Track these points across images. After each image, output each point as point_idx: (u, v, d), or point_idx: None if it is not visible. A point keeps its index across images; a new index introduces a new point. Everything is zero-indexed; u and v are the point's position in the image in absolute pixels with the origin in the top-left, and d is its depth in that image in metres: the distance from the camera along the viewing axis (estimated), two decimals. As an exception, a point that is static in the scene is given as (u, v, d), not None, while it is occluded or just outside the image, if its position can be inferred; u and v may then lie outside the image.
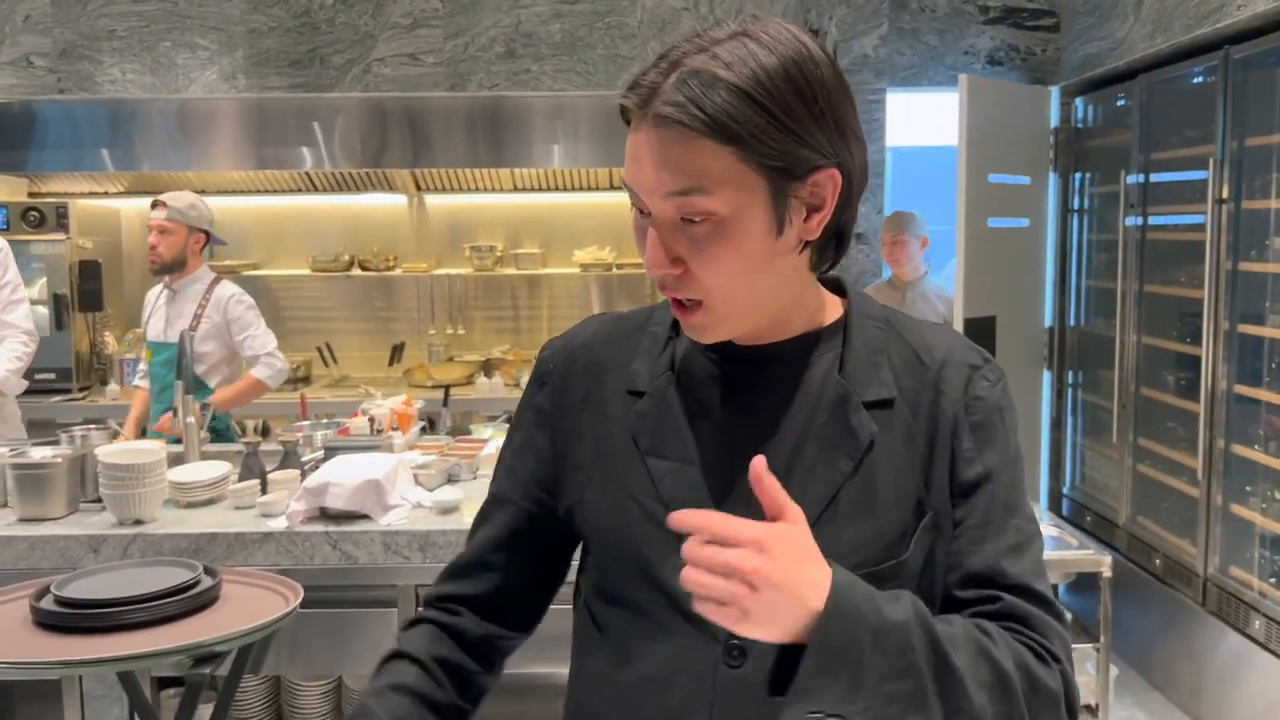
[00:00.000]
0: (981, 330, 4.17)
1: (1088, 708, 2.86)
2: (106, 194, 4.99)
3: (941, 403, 0.95)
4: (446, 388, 4.02)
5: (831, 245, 0.94)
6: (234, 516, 2.38)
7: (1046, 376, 4.70)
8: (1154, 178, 3.94)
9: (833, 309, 0.99)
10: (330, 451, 2.63)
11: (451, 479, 2.65)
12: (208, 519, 2.38)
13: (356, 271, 5.01)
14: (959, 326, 4.04)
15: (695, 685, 0.90)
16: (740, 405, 0.96)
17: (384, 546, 2.26)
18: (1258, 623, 3.14)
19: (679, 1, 4.47)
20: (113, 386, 4.64)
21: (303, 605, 1.92)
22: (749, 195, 0.86)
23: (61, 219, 4.53)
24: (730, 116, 0.83)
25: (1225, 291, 3.37)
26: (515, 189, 5.00)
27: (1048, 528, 3.01)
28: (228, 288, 3.53)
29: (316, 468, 2.47)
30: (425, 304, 5.18)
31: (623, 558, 0.94)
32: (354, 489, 2.27)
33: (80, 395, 4.61)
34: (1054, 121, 4.57)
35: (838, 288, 1.01)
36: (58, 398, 4.47)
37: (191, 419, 2.71)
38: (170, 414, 3.11)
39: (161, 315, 3.53)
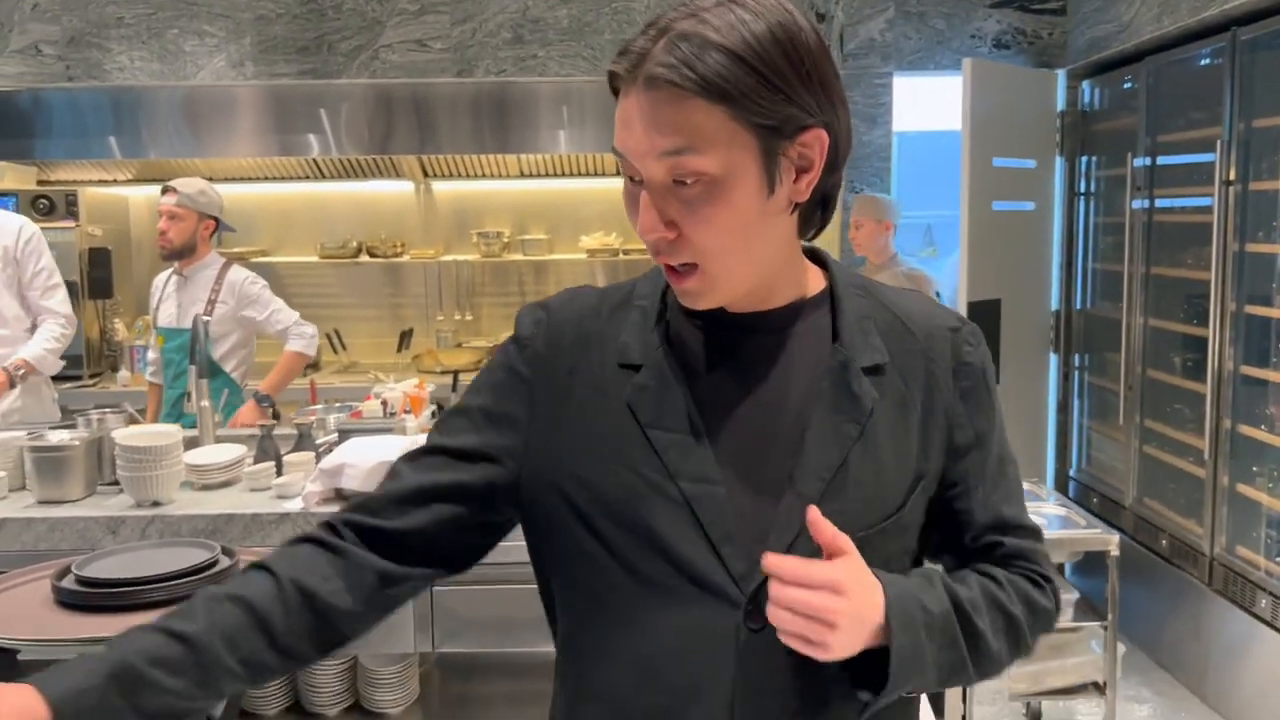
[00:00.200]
0: (986, 313, 4.18)
1: (1095, 685, 2.89)
2: (115, 182, 5.01)
3: (933, 370, 0.99)
4: (455, 373, 4.04)
5: (817, 211, 0.96)
6: (250, 498, 2.41)
7: (1053, 359, 4.71)
8: (1160, 160, 3.95)
9: (815, 279, 1.01)
10: (344, 434, 2.65)
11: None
12: (224, 501, 2.40)
13: (365, 258, 5.03)
14: (963, 310, 4.05)
15: (717, 652, 0.91)
16: (739, 375, 0.96)
17: (399, 527, 2.28)
18: (1264, 601, 3.16)
19: (685, -14, 4.46)
20: (123, 373, 4.67)
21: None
22: (740, 154, 0.87)
23: (71, 206, 4.55)
24: (721, 76, 0.85)
25: (1232, 273, 3.38)
26: (522, 175, 5.01)
27: (1055, 508, 3.03)
28: (239, 272, 3.56)
29: (331, 450, 2.49)
30: (433, 290, 5.20)
31: (630, 531, 0.93)
32: (369, 470, 2.29)
33: (91, 382, 4.64)
34: (1060, 105, 4.57)
35: (817, 259, 1.03)
36: (68, 384, 4.50)
37: (205, 402, 2.74)
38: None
39: (173, 301, 3.56)
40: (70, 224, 4.52)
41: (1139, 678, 3.67)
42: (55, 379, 3.61)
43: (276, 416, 3.16)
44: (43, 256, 3.38)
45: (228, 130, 4.60)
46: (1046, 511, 2.98)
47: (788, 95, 0.87)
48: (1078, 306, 4.66)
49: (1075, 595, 2.93)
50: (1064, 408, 4.74)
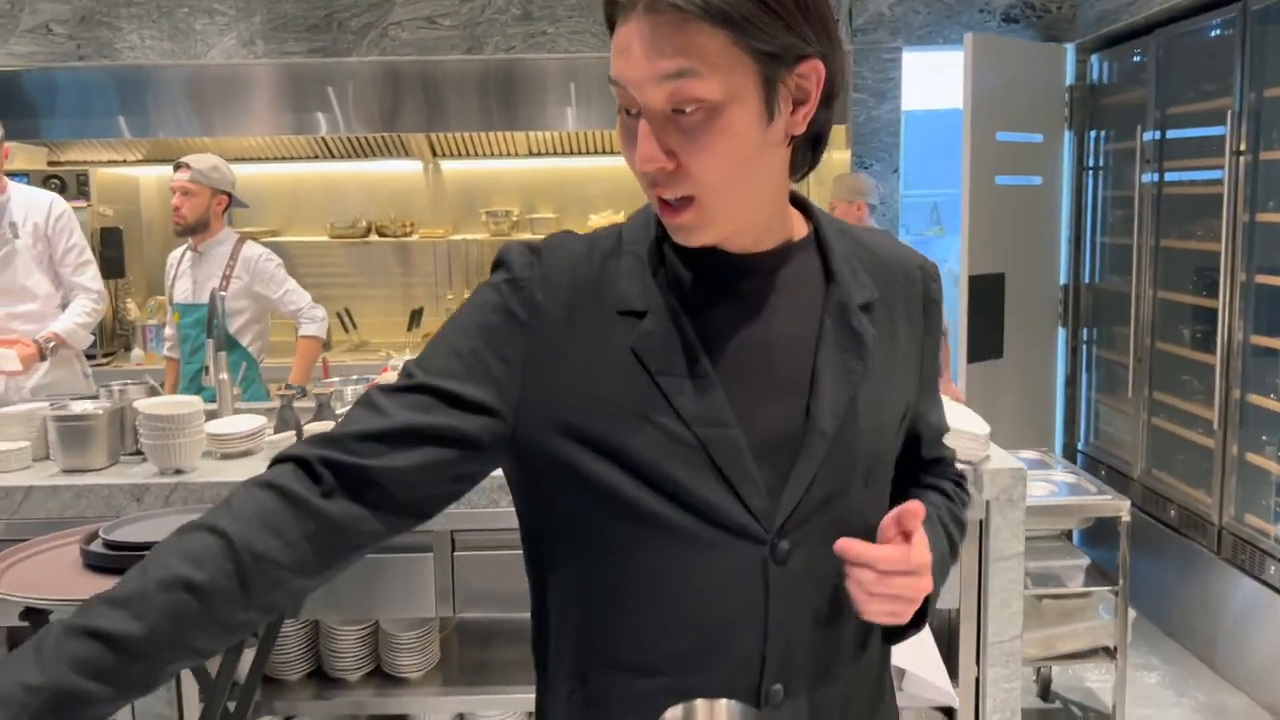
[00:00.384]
0: (989, 288, 4.19)
1: (1106, 650, 2.91)
2: (125, 162, 5.02)
3: (909, 307, 1.04)
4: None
5: (808, 149, 0.97)
6: (271, 466, 2.44)
7: (1061, 334, 4.73)
8: (1170, 134, 3.95)
9: (799, 222, 1.02)
10: (361, 405, 2.68)
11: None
12: (246, 469, 2.43)
13: (374, 238, 5.05)
14: (964, 284, 4.07)
15: (747, 588, 0.94)
16: (739, 317, 0.97)
17: (419, 493, 2.31)
18: (1273, 568, 3.19)
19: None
20: (136, 351, 4.70)
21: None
22: (741, 80, 0.87)
23: (82, 186, 4.57)
24: (723, 0, 0.85)
25: (1242, 243, 3.39)
26: (530, 154, 5.02)
27: (1065, 475, 3.06)
28: (254, 248, 3.58)
29: (349, 420, 2.52)
30: (443, 269, 5.22)
31: (646, 481, 0.92)
32: (389, 437, 2.31)
33: (105, 361, 4.67)
34: (1069, 79, 4.57)
35: (798, 203, 1.04)
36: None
37: (224, 375, 2.76)
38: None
39: (188, 277, 3.58)
40: (82, 204, 4.54)
41: (1147, 646, 3.70)
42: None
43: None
44: (74, 233, 3.41)
45: (236, 109, 4.61)
46: (1056, 479, 3.00)
47: (787, 23, 0.88)
48: (1086, 281, 4.67)
49: (1085, 561, 2.95)
50: (1072, 382, 4.75)
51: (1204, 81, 3.72)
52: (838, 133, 4.67)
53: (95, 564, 1.91)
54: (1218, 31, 3.64)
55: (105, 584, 1.89)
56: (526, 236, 5.04)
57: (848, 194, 4.10)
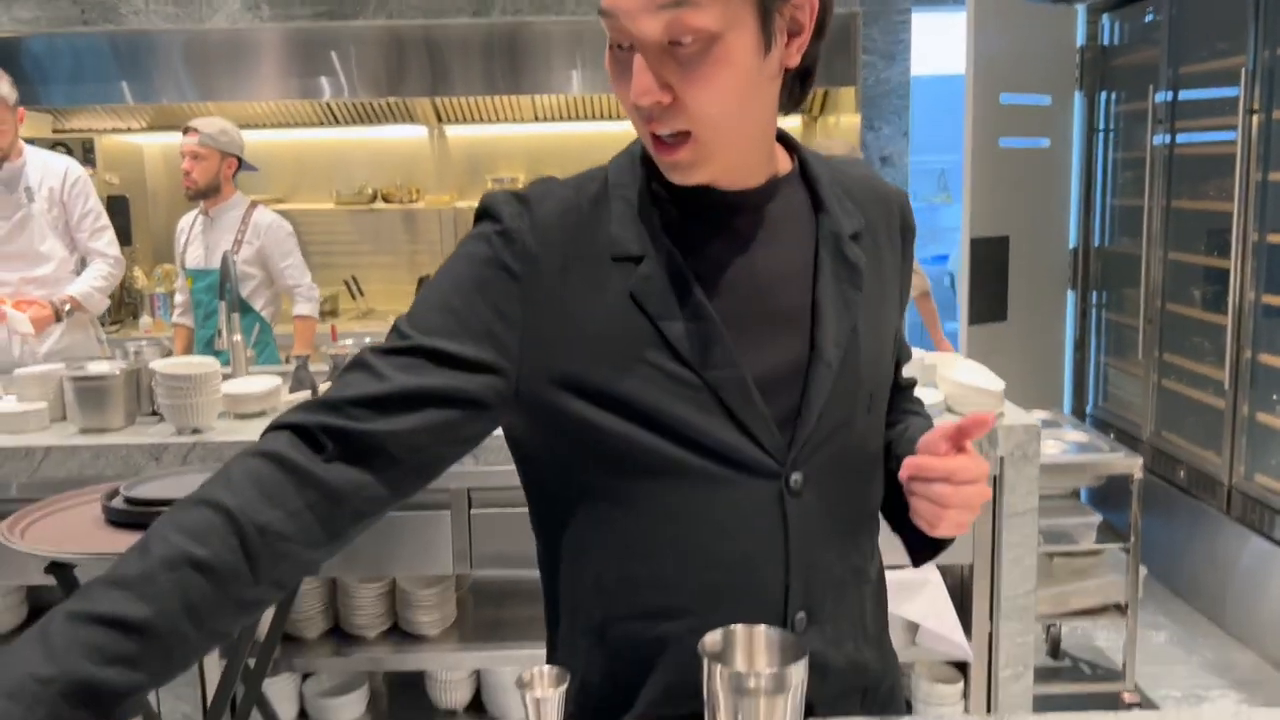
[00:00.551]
0: (993, 251, 4.18)
1: (1117, 607, 2.93)
2: (130, 130, 5.00)
3: (890, 235, 1.05)
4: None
5: (797, 83, 0.97)
6: (288, 426, 2.45)
7: (1070, 297, 4.72)
8: (1183, 95, 3.93)
9: (783, 157, 1.02)
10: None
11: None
12: (262, 428, 2.44)
13: (380, 205, 5.03)
14: (966, 247, 4.07)
15: (766, 523, 0.95)
16: (733, 255, 0.96)
17: (436, 451, 2.32)
18: (1283, 527, 3.20)
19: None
20: (145, 319, 4.70)
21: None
22: (739, 10, 0.86)
23: (88, 154, 4.56)
24: None
25: (1255, 202, 3.38)
26: (535, 119, 4.99)
27: (1076, 435, 3.06)
28: (266, 214, 3.58)
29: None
30: (449, 236, 5.21)
31: (656, 427, 0.92)
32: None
33: (114, 329, 4.67)
34: (1080, 40, 4.53)
35: (780, 137, 1.03)
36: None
37: (238, 337, 2.76)
38: None
39: (200, 243, 3.58)
40: (88, 171, 4.51)
41: (1156, 606, 3.72)
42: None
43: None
44: (90, 198, 3.41)
45: (240, 74, 4.58)
46: (1068, 438, 3.01)
47: None
48: (1096, 244, 4.66)
49: (1097, 519, 2.97)
50: (1081, 345, 4.75)
51: (1217, 40, 3.69)
52: (847, 95, 4.64)
53: (117, 520, 1.92)
54: (1232, -11, 3.61)
55: (128, 539, 1.90)
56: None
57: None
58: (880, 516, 1.10)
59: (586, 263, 0.93)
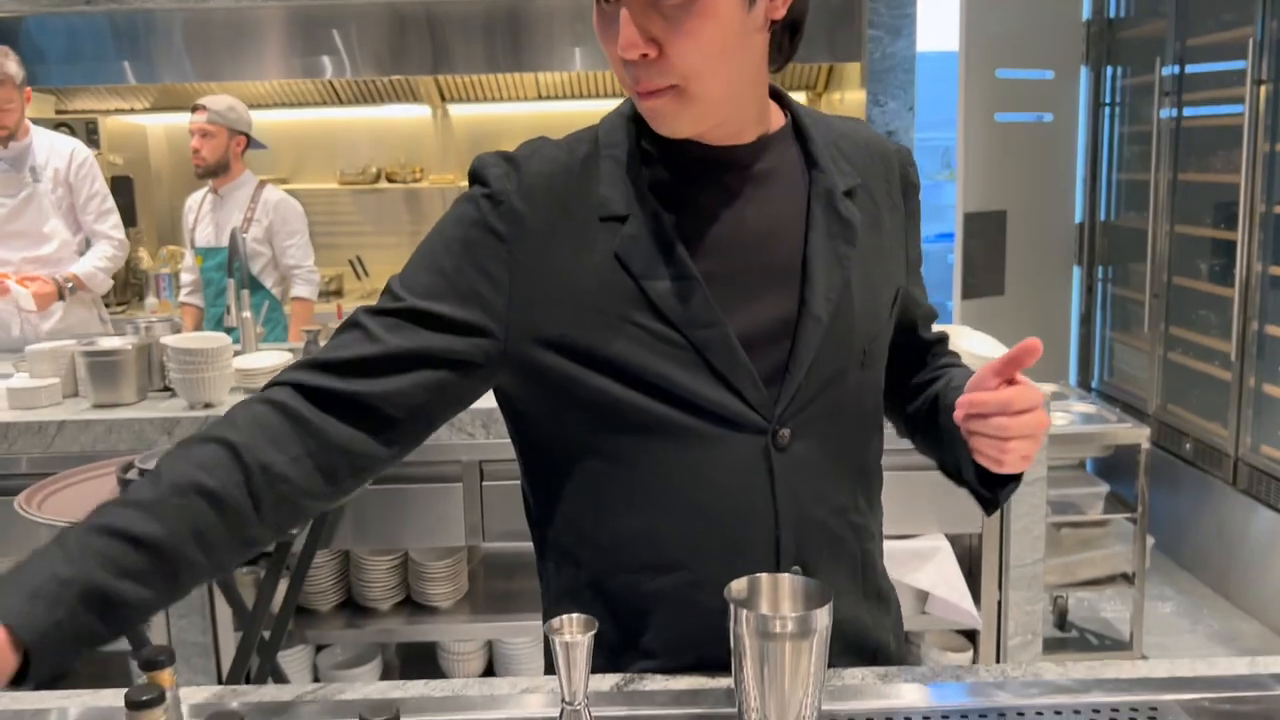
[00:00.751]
0: (989, 225, 4.18)
1: (1124, 576, 2.95)
2: (133, 110, 4.99)
3: (890, 191, 1.05)
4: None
5: (786, 37, 0.96)
6: (299, 400, 2.46)
7: (1076, 272, 4.72)
8: (1190, 68, 3.92)
9: (777, 113, 1.02)
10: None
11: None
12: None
13: (384, 184, 5.03)
14: (961, 221, 4.08)
15: (753, 477, 0.96)
16: (723, 213, 0.96)
17: (448, 424, 2.33)
18: (1289, 497, 3.21)
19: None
20: (151, 300, 4.70)
21: (369, 481, 1.99)
22: None
23: (92, 135, 4.55)
24: None
25: (1262, 174, 3.37)
26: (539, 97, 4.98)
27: (1083, 406, 3.07)
28: (275, 192, 3.58)
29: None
30: (453, 215, 5.20)
31: (642, 386, 0.93)
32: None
33: (120, 309, 4.68)
34: (1086, 14, 4.51)
35: (775, 95, 1.03)
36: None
37: (247, 313, 2.77)
38: None
39: (209, 221, 3.58)
40: (93, 152, 4.51)
41: (1162, 578, 3.74)
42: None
43: None
44: (96, 180, 3.41)
45: (242, 53, 4.56)
46: (1075, 409, 3.02)
47: None
48: (1102, 218, 4.65)
49: (1105, 489, 2.98)
50: (1086, 320, 4.75)
51: (1224, 11, 3.67)
52: (852, 70, 4.63)
53: (132, 492, 1.94)
54: (1239, -41, 3.59)
55: (144, 510, 1.90)
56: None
57: None
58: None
59: (574, 223, 0.94)
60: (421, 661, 2.71)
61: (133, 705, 0.79)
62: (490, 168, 0.96)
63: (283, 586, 2.21)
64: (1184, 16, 3.91)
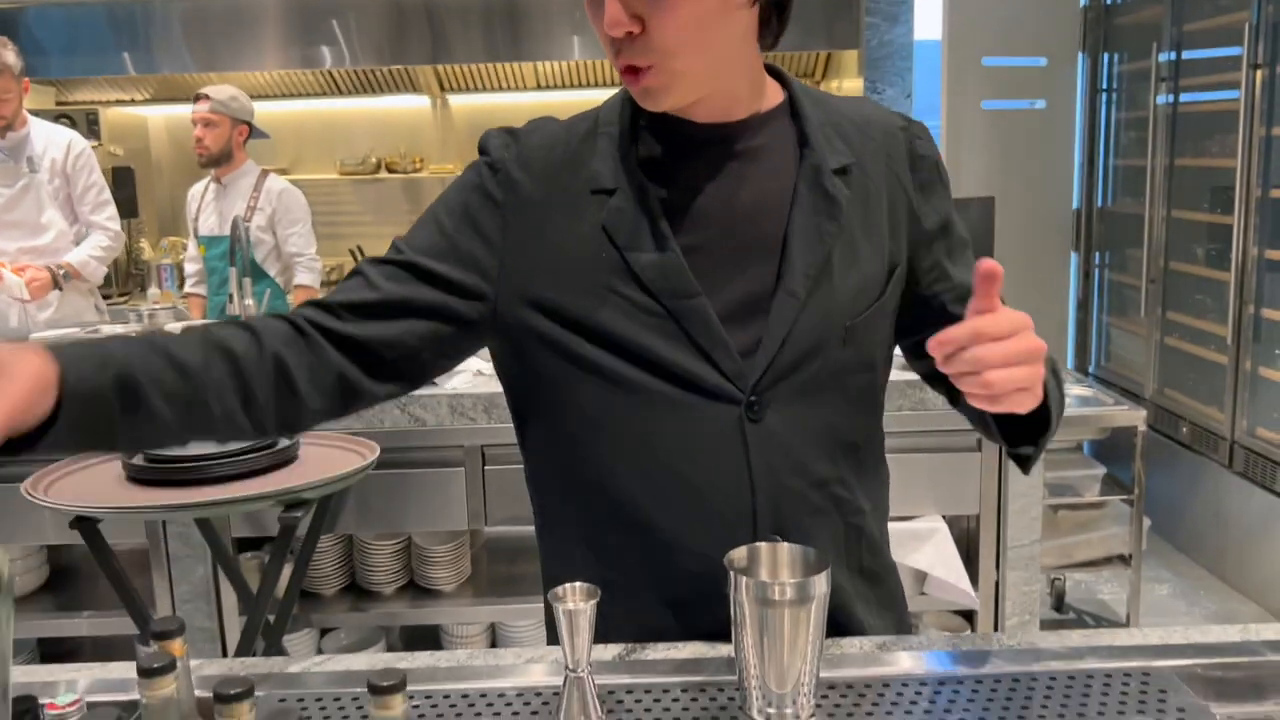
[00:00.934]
0: (977, 212, 4.19)
1: (1121, 558, 2.97)
2: (133, 101, 5.00)
3: (892, 166, 1.04)
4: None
5: (774, 15, 0.98)
6: (302, 386, 2.48)
7: (1073, 258, 4.73)
8: (1186, 54, 3.92)
9: (774, 92, 1.04)
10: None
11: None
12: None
13: (384, 175, 5.04)
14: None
15: (727, 447, 0.98)
16: (710, 188, 0.99)
17: (450, 409, 2.35)
18: (1285, 479, 3.24)
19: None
20: (153, 290, 4.71)
21: (374, 466, 2.01)
22: None
23: (93, 126, 4.56)
24: None
25: (1258, 158, 3.39)
26: (538, 87, 4.99)
27: (1080, 389, 3.09)
28: (278, 181, 3.60)
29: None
30: (453, 205, 5.21)
31: (620, 353, 0.97)
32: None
33: (121, 300, 4.69)
34: (1083, 1, 4.52)
35: (775, 74, 1.05)
36: (99, 303, 4.56)
37: (249, 301, 2.79)
38: None
39: (213, 210, 3.60)
40: (92, 144, 4.51)
41: (1158, 560, 3.77)
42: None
43: None
44: (93, 172, 3.43)
45: (241, 43, 4.57)
46: (1072, 393, 3.03)
47: None
48: (1099, 204, 4.66)
49: (1101, 471, 3.00)
50: (1084, 306, 4.77)
51: (1221, -4, 3.69)
52: (850, 58, 4.64)
53: (137, 476, 1.95)
54: (1236, -56, 3.60)
55: (149, 495, 1.93)
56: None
57: None
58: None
59: (567, 194, 0.99)
60: (425, 645, 2.74)
61: (145, 673, 0.81)
62: (493, 139, 1.03)
63: (287, 571, 2.23)
64: (1180, 2, 3.92)
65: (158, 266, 4.75)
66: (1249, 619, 3.36)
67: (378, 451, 2.04)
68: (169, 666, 0.82)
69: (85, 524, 1.92)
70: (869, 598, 1.10)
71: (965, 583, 2.39)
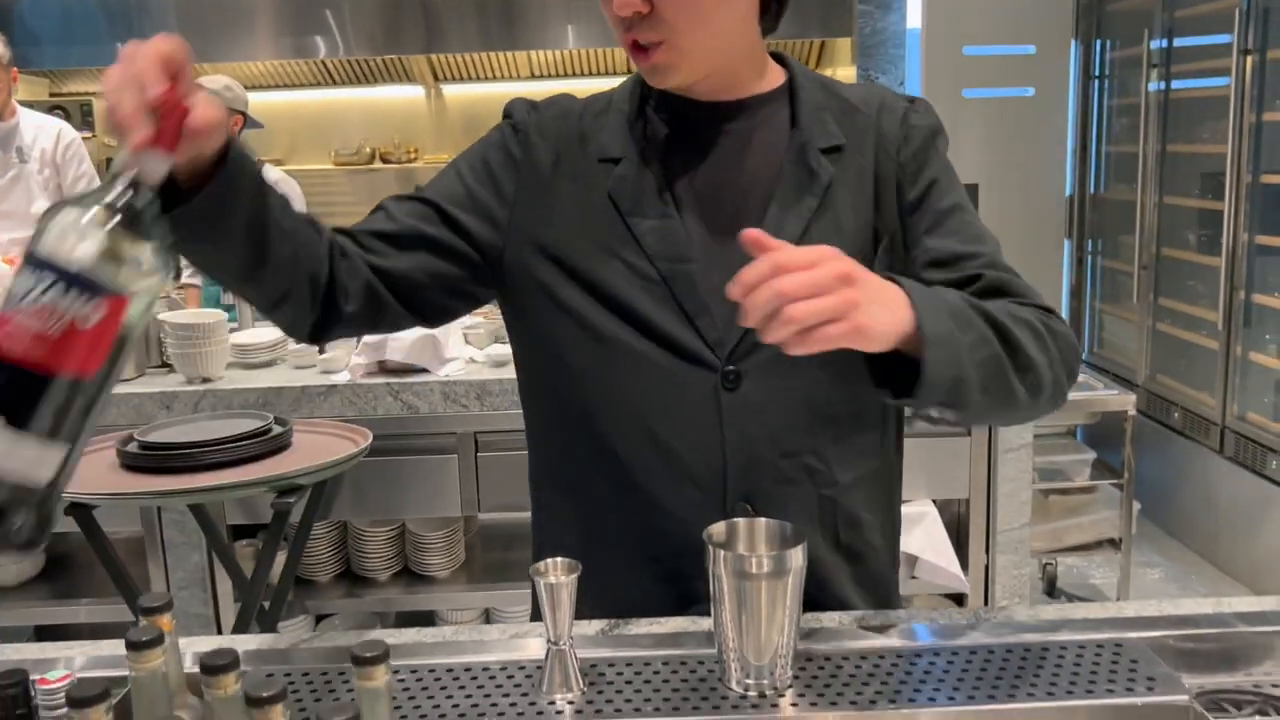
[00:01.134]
0: (960, 199, 4.21)
1: (1110, 542, 3.00)
2: (126, 92, 4.99)
3: (882, 142, 1.07)
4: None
5: (774, 1, 1.04)
6: (297, 373, 2.49)
7: (1066, 245, 4.74)
8: (1178, 41, 3.93)
9: (776, 75, 1.09)
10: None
11: (499, 339, 2.75)
12: (273, 376, 2.48)
13: (378, 165, 5.04)
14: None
15: (702, 412, 1.02)
16: (708, 162, 1.05)
17: (443, 396, 2.37)
18: (1275, 463, 3.26)
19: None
20: (148, 282, 4.73)
21: (367, 453, 2.03)
22: None
23: (86, 117, 4.56)
24: None
25: (1249, 144, 3.40)
26: (532, 76, 4.99)
27: (1072, 376, 3.11)
28: (273, 171, 3.61)
29: (369, 329, 2.56)
30: (448, 195, 5.22)
31: (612, 310, 1.03)
32: (413, 342, 2.36)
33: (116, 292, 4.70)
34: (1076, -13, 4.52)
35: (780, 60, 1.11)
36: (95, 294, 4.56)
37: (243, 290, 2.80)
38: None
39: (205, 199, 3.60)
40: (86, 134, 4.52)
41: (1149, 545, 3.79)
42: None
43: None
44: (83, 162, 3.43)
45: (234, 33, 4.56)
46: (1064, 379, 3.05)
47: None
48: (1092, 191, 4.67)
49: (1091, 455, 3.02)
50: (1077, 293, 4.79)
51: (1212, -19, 3.69)
52: (843, 46, 4.64)
53: (132, 464, 1.97)
54: (1227, -70, 3.60)
55: (143, 482, 1.94)
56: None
57: None
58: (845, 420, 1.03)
59: (578, 162, 1.06)
60: (420, 631, 2.75)
61: (133, 645, 0.83)
62: (518, 105, 1.12)
63: (281, 557, 2.25)
64: (1172, -13, 3.92)
65: (153, 257, 4.75)
66: (1239, 602, 3.38)
67: (370, 438, 2.06)
68: (157, 640, 0.83)
69: (80, 511, 1.93)
70: (849, 574, 1.10)
71: (955, 566, 2.42)
